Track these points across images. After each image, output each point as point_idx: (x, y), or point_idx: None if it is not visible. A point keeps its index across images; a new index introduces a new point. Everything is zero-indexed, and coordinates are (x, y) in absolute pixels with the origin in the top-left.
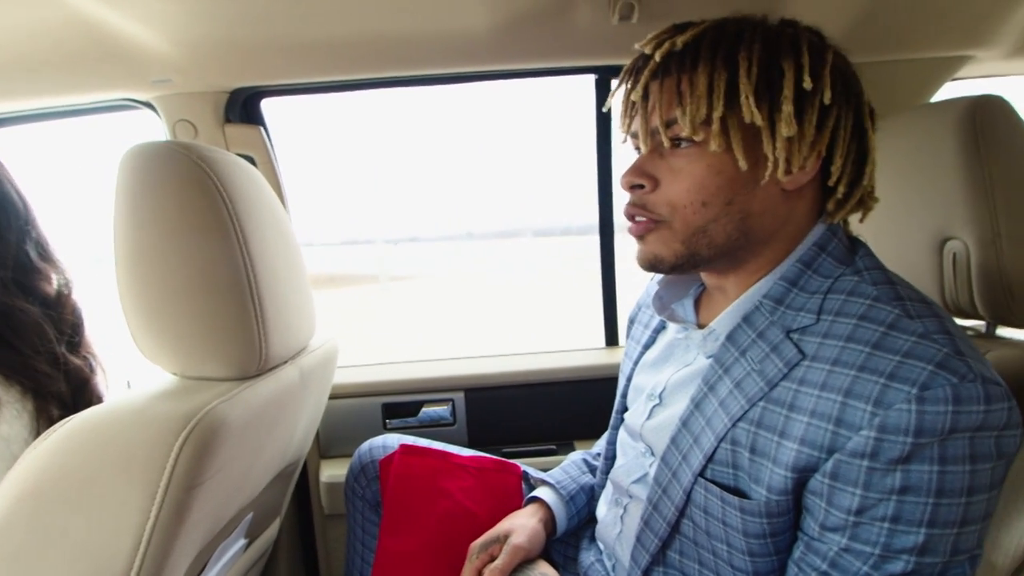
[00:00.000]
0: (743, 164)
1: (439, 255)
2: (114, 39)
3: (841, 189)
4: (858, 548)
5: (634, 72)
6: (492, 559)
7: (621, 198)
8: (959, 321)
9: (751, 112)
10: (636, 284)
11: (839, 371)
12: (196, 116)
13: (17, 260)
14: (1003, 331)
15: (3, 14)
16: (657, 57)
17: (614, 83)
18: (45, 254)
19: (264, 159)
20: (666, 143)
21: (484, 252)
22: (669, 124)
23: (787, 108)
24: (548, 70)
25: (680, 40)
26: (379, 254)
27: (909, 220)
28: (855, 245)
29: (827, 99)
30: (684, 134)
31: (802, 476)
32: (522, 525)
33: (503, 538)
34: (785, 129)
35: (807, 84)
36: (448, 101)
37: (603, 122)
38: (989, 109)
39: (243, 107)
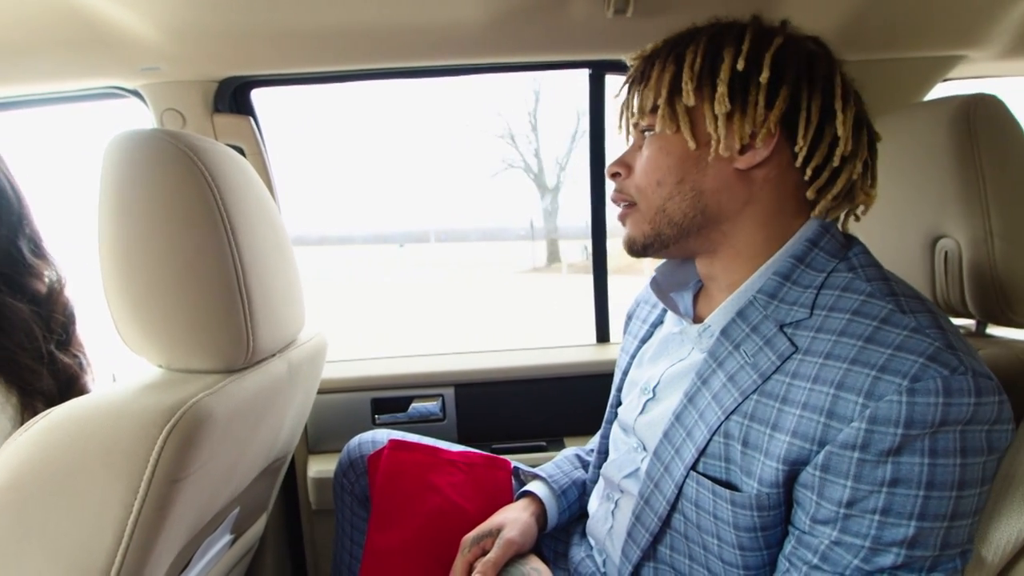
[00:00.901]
0: (691, 143)
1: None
2: (101, 25)
3: (808, 172)
4: (848, 541)
5: (628, 83)
6: (484, 553)
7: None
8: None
9: (688, 95)
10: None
11: (831, 364)
12: (184, 105)
13: (8, 256)
14: (993, 330)
15: None
16: (629, 61)
17: (618, 81)
18: (38, 250)
19: (253, 150)
20: (633, 133)
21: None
22: (639, 120)
23: (721, 89)
24: (542, 64)
25: (650, 47)
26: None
27: (902, 218)
28: (849, 242)
29: (763, 79)
30: (633, 120)
31: (793, 469)
32: (514, 519)
33: (495, 532)
34: (718, 107)
35: (739, 65)
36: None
37: (596, 120)
38: (983, 107)
39: (232, 97)
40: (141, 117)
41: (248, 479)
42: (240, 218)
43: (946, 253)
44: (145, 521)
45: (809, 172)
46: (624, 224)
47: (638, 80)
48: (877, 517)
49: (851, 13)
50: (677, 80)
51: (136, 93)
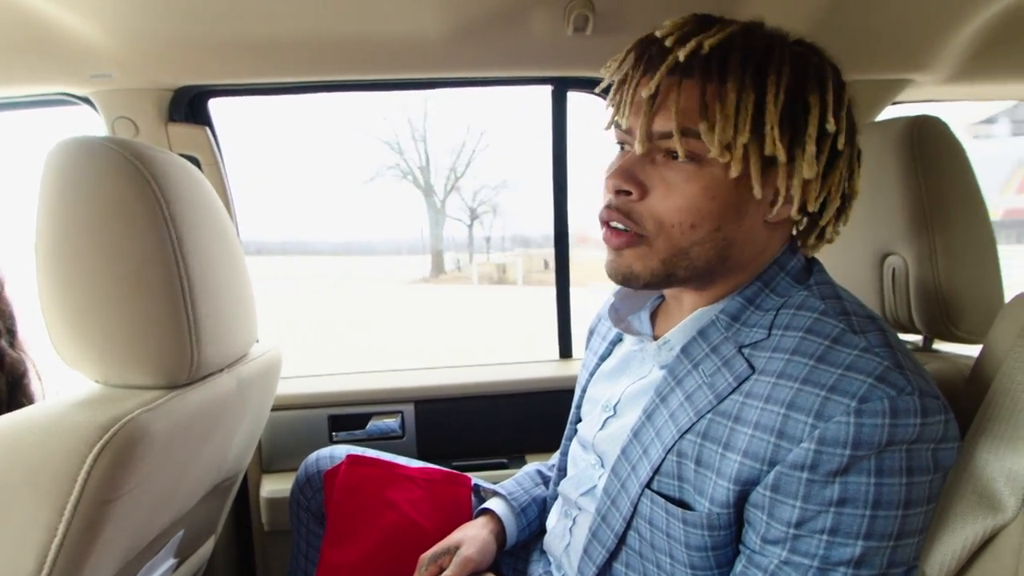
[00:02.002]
0: (759, 194)
1: None
2: (49, 29)
3: (830, 229)
4: (797, 561)
5: (644, 61)
6: (441, 571)
7: (581, 207)
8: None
9: (774, 145)
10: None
11: (783, 384)
12: (137, 114)
13: None
14: (939, 345)
15: None
16: (681, 56)
17: (580, 98)
18: None
19: (209, 160)
20: (681, 155)
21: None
22: (685, 134)
23: (810, 148)
24: (503, 79)
25: (708, 43)
26: None
27: (852, 235)
28: (810, 264)
29: (840, 145)
30: (711, 155)
31: (744, 489)
32: (472, 536)
33: (453, 550)
34: (807, 171)
35: (831, 127)
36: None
37: (559, 132)
38: (927, 128)
39: (189, 106)
40: (93, 125)
41: (192, 500)
42: (189, 229)
43: (894, 270)
44: (71, 545)
45: (830, 229)
46: (615, 250)
47: (667, 85)
48: (825, 537)
49: (805, 34)
50: (759, 117)
51: (87, 100)
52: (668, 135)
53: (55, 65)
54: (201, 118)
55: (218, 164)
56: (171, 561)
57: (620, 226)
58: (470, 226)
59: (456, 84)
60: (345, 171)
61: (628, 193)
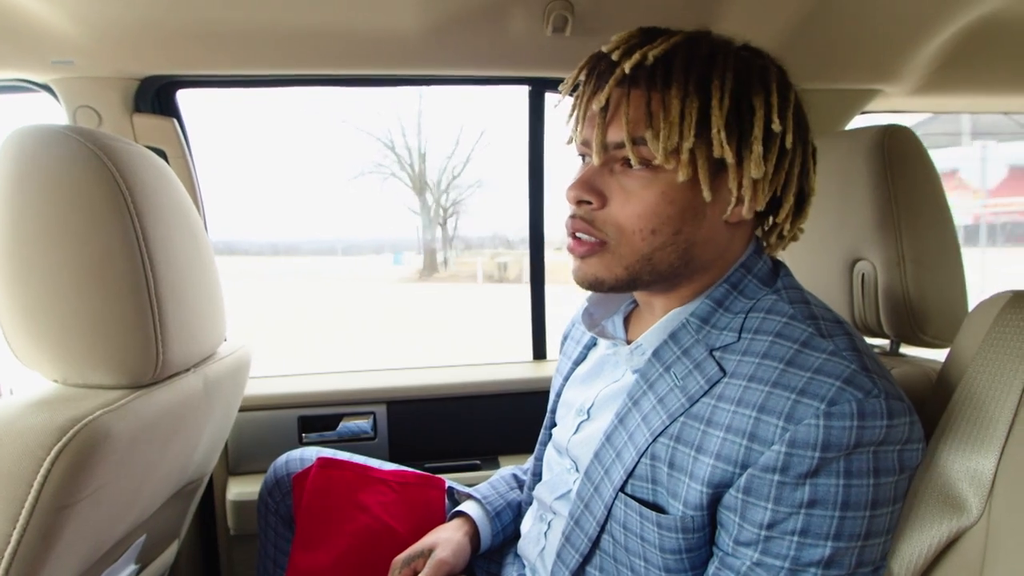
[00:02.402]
0: (707, 196)
1: None
2: (9, 11)
3: (787, 227)
4: (768, 562)
5: (595, 76)
6: (415, 574)
7: (553, 211)
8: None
9: (721, 147)
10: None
11: (754, 387)
12: (100, 103)
13: None
14: (906, 349)
15: None
16: (627, 68)
17: (549, 95)
18: None
19: (176, 153)
20: (635, 162)
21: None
22: (636, 142)
23: (757, 148)
24: (481, 78)
25: (652, 53)
26: None
27: (822, 241)
28: (777, 267)
29: (788, 143)
30: (656, 162)
31: (717, 491)
32: (447, 539)
33: (427, 553)
34: (755, 170)
35: (776, 126)
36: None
37: (535, 134)
38: (897, 137)
39: (156, 97)
40: (54, 114)
41: (155, 504)
42: (154, 223)
43: (863, 275)
44: (26, 553)
45: (787, 227)
46: (579, 258)
47: (616, 97)
48: (796, 538)
49: (780, 43)
50: (704, 121)
51: (47, 88)
52: (621, 144)
53: (13, 49)
54: (169, 109)
55: (186, 157)
56: (132, 567)
57: (584, 235)
58: (443, 225)
59: (433, 82)
60: (330, 167)
61: (589, 203)
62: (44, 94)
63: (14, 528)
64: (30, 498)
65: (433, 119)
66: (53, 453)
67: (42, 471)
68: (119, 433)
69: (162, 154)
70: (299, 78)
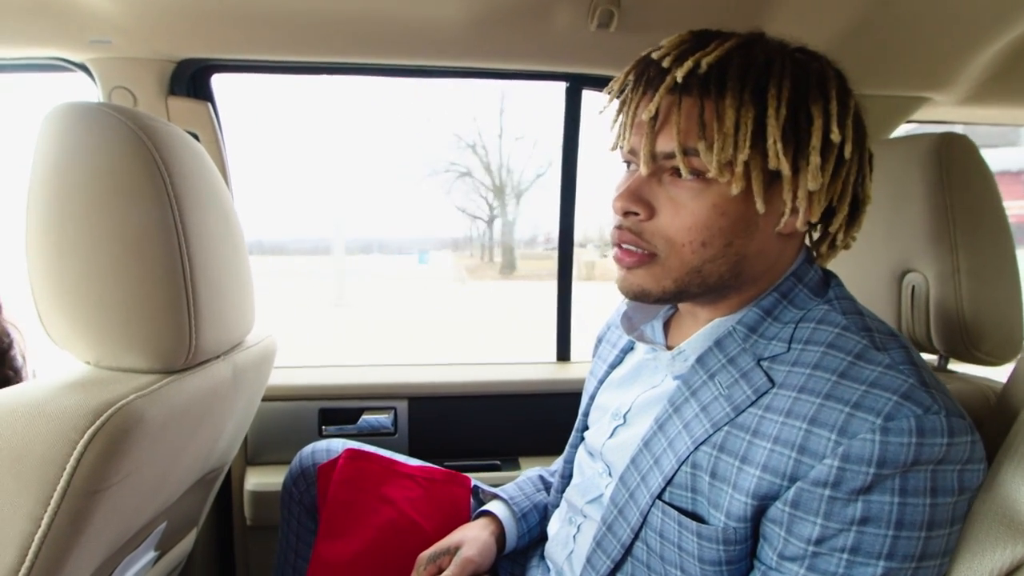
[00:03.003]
0: (761, 208)
1: None
2: None
3: (840, 236)
4: None
5: (643, 83)
6: (439, 571)
7: (588, 212)
8: None
9: (778, 159)
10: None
11: (804, 398)
12: (136, 84)
13: None
14: (954, 366)
15: None
16: (679, 77)
17: (595, 97)
18: None
19: (209, 138)
20: (684, 172)
21: None
22: (687, 152)
23: (815, 160)
24: (519, 73)
25: (705, 60)
26: None
27: (871, 251)
28: (828, 277)
29: (847, 153)
30: (710, 175)
31: (762, 503)
32: (474, 537)
33: (453, 550)
34: (811, 182)
35: (835, 136)
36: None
37: (571, 131)
38: (955, 146)
39: (191, 80)
40: (88, 94)
41: (179, 491)
42: (191, 206)
43: (913, 287)
44: (56, 537)
45: (841, 237)
46: (626, 269)
47: (667, 105)
48: (846, 556)
49: (830, 46)
50: (760, 132)
51: (83, 67)
52: (671, 155)
53: (52, 27)
54: (203, 93)
55: (219, 142)
56: (152, 554)
57: (631, 247)
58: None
59: (470, 74)
60: (401, 165)
61: (636, 213)
62: (79, 74)
63: (45, 511)
64: (62, 481)
65: (515, 116)
66: (87, 436)
67: (75, 454)
68: (152, 418)
69: (195, 137)
70: (336, 66)
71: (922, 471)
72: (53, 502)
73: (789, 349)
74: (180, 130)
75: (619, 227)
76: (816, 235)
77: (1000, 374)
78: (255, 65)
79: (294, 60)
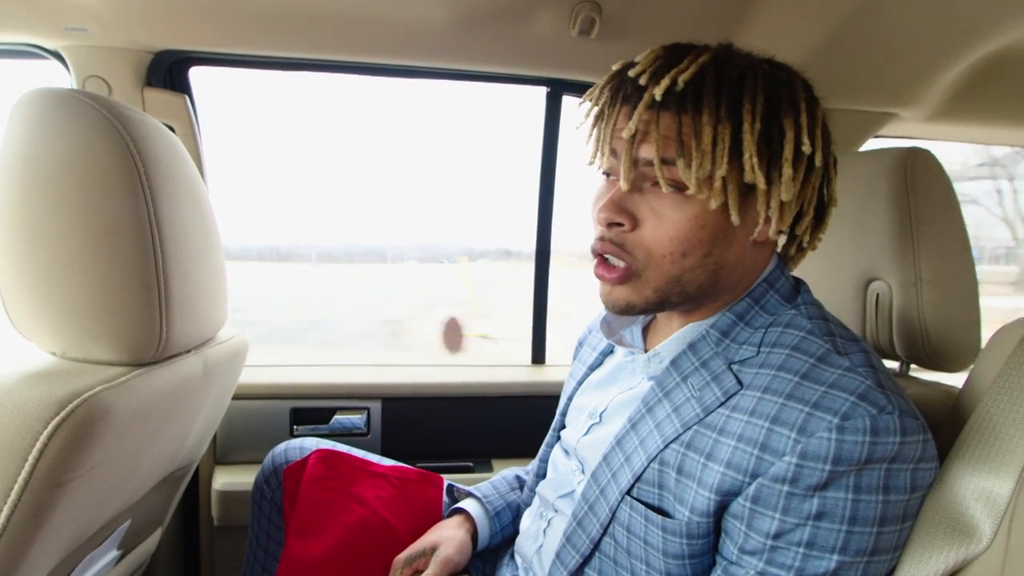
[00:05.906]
0: (736, 221)
1: None
2: None
3: (806, 239)
4: (773, 572)
5: (620, 99)
6: (417, 573)
7: (567, 221)
8: None
9: (753, 173)
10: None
11: (768, 398)
12: (112, 74)
13: None
14: (916, 372)
15: None
16: (657, 95)
17: (575, 103)
18: None
19: (186, 131)
20: (664, 188)
21: None
22: (665, 161)
23: (787, 171)
24: (500, 76)
25: (682, 78)
26: None
27: (837, 259)
28: (798, 284)
29: (818, 161)
30: (689, 192)
31: (724, 499)
32: (450, 536)
33: (429, 551)
34: (784, 193)
35: (806, 148)
36: None
37: (550, 140)
38: (920, 160)
39: (168, 72)
40: (61, 82)
41: (144, 489)
42: (165, 197)
43: (878, 295)
44: (15, 530)
45: (807, 240)
46: (608, 283)
47: (645, 119)
48: (802, 550)
49: (803, 60)
50: (736, 147)
51: (57, 55)
52: (651, 162)
53: (27, 12)
54: (180, 86)
55: (195, 135)
56: (114, 553)
57: (613, 260)
58: None
59: (451, 76)
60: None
61: (621, 224)
62: (53, 62)
63: (5, 503)
64: (24, 473)
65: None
66: (51, 427)
67: (38, 445)
68: (119, 411)
69: (171, 130)
70: (317, 63)
71: (876, 469)
72: (14, 493)
73: (759, 352)
74: (156, 121)
75: (601, 238)
76: (783, 239)
77: (959, 380)
78: (235, 59)
79: (275, 56)
